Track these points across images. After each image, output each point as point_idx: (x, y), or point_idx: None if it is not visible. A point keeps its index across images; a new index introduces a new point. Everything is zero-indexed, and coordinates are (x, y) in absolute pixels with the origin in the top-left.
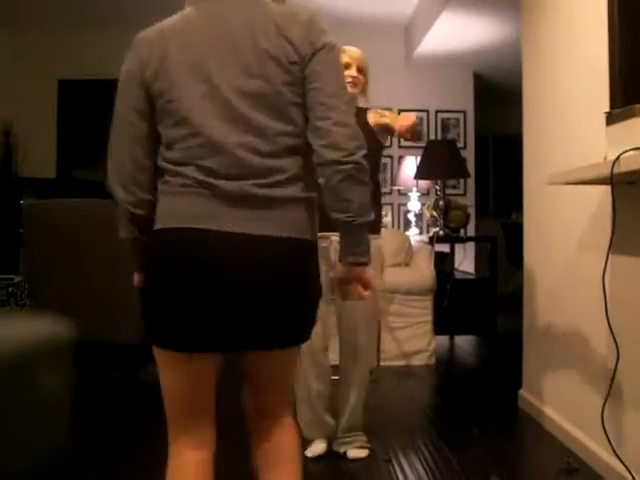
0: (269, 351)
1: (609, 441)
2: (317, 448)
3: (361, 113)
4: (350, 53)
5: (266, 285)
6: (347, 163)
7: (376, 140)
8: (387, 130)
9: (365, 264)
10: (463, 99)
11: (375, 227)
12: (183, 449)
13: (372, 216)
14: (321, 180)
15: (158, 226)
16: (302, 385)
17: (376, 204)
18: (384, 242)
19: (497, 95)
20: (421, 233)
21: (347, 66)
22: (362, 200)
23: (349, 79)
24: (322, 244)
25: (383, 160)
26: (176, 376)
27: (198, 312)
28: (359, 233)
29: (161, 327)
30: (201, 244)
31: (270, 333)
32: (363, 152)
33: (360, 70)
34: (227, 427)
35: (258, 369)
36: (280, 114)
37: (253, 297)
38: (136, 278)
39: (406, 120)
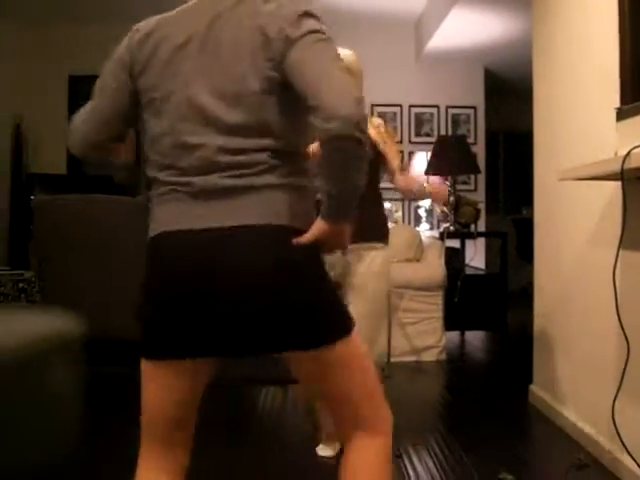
0: (287, 353)
1: (620, 437)
2: (326, 450)
3: None
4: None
5: (237, 280)
6: (346, 136)
7: (374, 148)
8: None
9: (347, 224)
10: (474, 95)
11: (384, 234)
12: (152, 472)
13: (363, 188)
14: (323, 154)
15: (150, 233)
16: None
17: (379, 214)
18: (393, 240)
19: (508, 91)
20: (432, 229)
21: None
22: (359, 171)
23: None
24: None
25: None
26: (158, 390)
27: (174, 315)
28: (350, 201)
29: (144, 332)
30: (171, 246)
31: (255, 335)
32: (362, 116)
33: (351, 73)
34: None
35: (302, 377)
36: (252, 114)
37: (227, 295)
38: None
39: (442, 194)
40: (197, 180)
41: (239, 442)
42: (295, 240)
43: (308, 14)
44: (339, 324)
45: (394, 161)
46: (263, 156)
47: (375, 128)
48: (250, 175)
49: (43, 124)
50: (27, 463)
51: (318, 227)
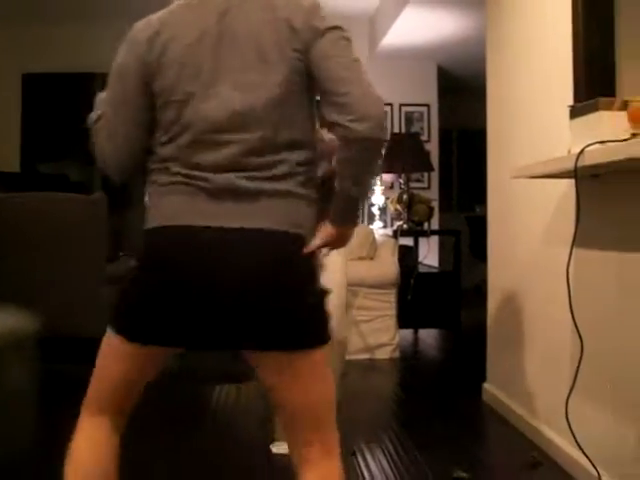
0: (263, 352)
1: (573, 435)
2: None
3: None
4: None
5: (244, 280)
6: (376, 139)
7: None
8: None
9: (355, 226)
10: (427, 92)
11: None
12: (94, 426)
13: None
14: (345, 154)
15: (147, 226)
16: None
17: None
18: None
19: (461, 88)
20: (385, 227)
21: None
22: (375, 174)
23: None
24: None
25: None
26: (120, 365)
27: (173, 306)
28: (362, 202)
29: (134, 318)
30: (182, 240)
31: (248, 331)
32: (385, 119)
33: None
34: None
35: (270, 382)
36: (279, 108)
37: (231, 293)
38: None
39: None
40: (215, 178)
41: (191, 437)
42: (305, 249)
43: (322, 6)
44: (322, 331)
45: None
46: (285, 158)
47: None
48: (271, 179)
49: None
50: None
51: (326, 232)
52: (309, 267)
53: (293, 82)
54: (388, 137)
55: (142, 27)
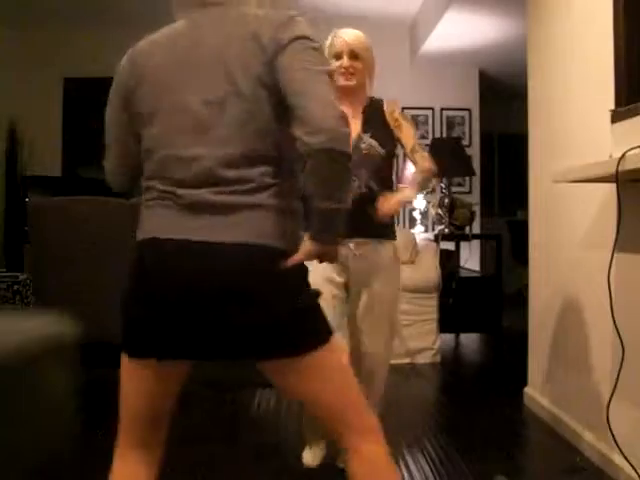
0: (263, 361)
1: (615, 440)
2: (310, 457)
3: (376, 106)
4: (340, 41)
5: (222, 293)
6: (332, 151)
7: (392, 138)
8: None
9: (336, 243)
10: (468, 97)
11: (392, 231)
12: (130, 458)
13: (349, 203)
14: (308, 168)
15: (136, 240)
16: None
17: (392, 222)
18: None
19: (503, 93)
20: (426, 231)
21: (338, 56)
22: (345, 186)
23: (341, 70)
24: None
25: None
26: (135, 390)
27: (156, 319)
28: (338, 218)
29: (126, 334)
30: (159, 253)
31: (232, 341)
32: (346, 131)
33: (355, 56)
34: None
35: (283, 388)
36: (247, 123)
37: (209, 305)
38: None
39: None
40: (188, 193)
41: (233, 443)
42: (284, 263)
43: (297, 18)
44: (317, 332)
45: (409, 142)
46: (256, 172)
47: (390, 114)
48: (241, 193)
49: (38, 126)
50: (22, 463)
51: (306, 249)
52: (284, 277)
53: (261, 97)
54: (349, 153)
55: (136, 47)
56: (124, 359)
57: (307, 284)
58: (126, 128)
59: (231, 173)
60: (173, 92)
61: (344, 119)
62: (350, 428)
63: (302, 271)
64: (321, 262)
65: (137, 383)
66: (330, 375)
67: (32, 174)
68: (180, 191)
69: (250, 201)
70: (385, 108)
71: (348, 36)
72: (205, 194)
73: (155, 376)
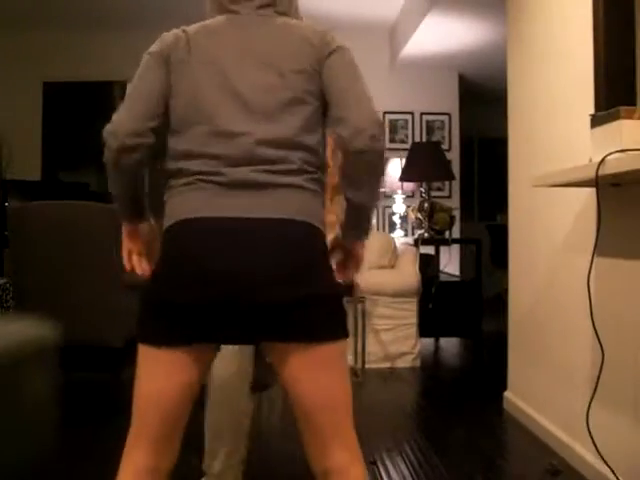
0: (283, 345)
1: (594, 443)
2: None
3: None
4: None
5: (266, 269)
6: (372, 151)
7: None
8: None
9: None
10: (448, 101)
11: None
12: (135, 466)
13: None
14: (346, 166)
15: (166, 224)
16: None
17: None
18: (368, 247)
19: (482, 97)
20: (406, 235)
21: None
22: (379, 186)
23: None
24: None
25: None
26: (165, 380)
27: (197, 300)
28: (369, 214)
29: (159, 320)
30: (199, 231)
31: (271, 320)
32: (383, 137)
33: None
34: None
35: (292, 376)
36: (295, 112)
37: (251, 282)
38: (124, 230)
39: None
40: (229, 171)
41: None
42: (325, 243)
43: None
44: (339, 325)
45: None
46: (297, 156)
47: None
48: (284, 173)
49: (17, 130)
50: (3, 466)
51: (342, 251)
52: (327, 260)
53: (309, 92)
54: (385, 148)
55: (173, 32)
56: (149, 352)
57: None
58: (160, 87)
59: (275, 153)
60: (222, 74)
61: (382, 125)
62: (342, 443)
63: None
64: (348, 275)
65: (165, 376)
66: (340, 373)
67: (11, 178)
68: (224, 169)
69: (293, 182)
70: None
71: None
72: (249, 173)
73: (185, 365)
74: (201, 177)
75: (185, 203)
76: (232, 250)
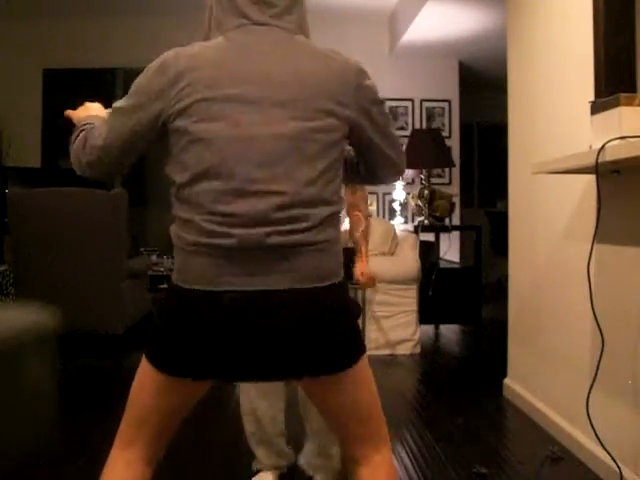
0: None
1: (594, 430)
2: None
3: None
4: None
5: (288, 336)
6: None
7: None
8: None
9: None
10: (448, 88)
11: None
12: (127, 461)
13: None
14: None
15: (173, 279)
16: (247, 408)
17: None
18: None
19: (482, 84)
20: (406, 222)
21: None
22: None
23: None
24: None
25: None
26: (164, 400)
27: (218, 345)
28: None
29: (167, 352)
30: (212, 306)
31: (289, 363)
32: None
33: None
34: None
35: (327, 404)
36: (320, 160)
37: (266, 356)
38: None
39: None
40: (244, 233)
41: (209, 444)
42: (345, 294)
43: (365, 69)
44: (362, 343)
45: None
46: (316, 210)
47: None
48: (293, 233)
49: (17, 118)
50: (2, 452)
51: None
52: (346, 306)
53: (333, 133)
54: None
55: (176, 60)
56: (152, 372)
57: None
58: (145, 132)
59: (289, 212)
60: (237, 120)
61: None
62: (372, 434)
63: (345, 295)
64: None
65: (165, 397)
66: (367, 382)
67: (12, 165)
68: (235, 231)
69: (304, 240)
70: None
71: None
72: (259, 233)
73: (186, 391)
74: (213, 236)
75: (196, 267)
76: (242, 326)
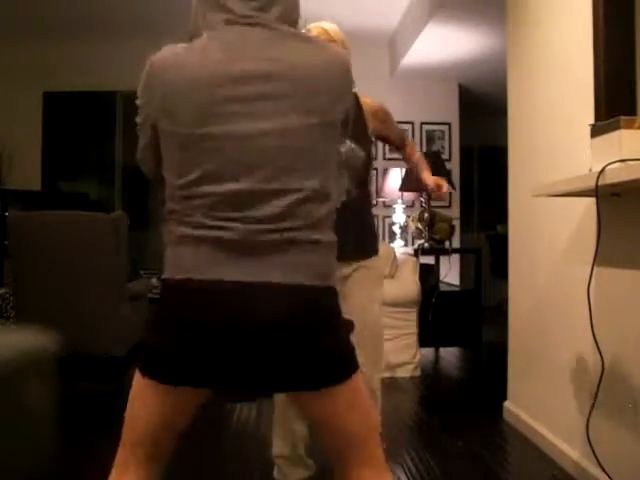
0: (297, 393)
1: (594, 453)
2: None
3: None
4: (318, 29)
5: (276, 334)
6: None
7: (369, 140)
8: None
9: None
10: (448, 111)
11: (375, 247)
12: (133, 474)
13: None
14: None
15: (165, 275)
16: (281, 431)
17: (371, 224)
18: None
19: (482, 107)
20: (406, 245)
21: None
22: None
23: None
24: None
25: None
26: (155, 408)
27: (205, 358)
28: None
29: (162, 360)
30: (208, 295)
31: (279, 375)
32: None
33: (332, 42)
34: None
35: (316, 418)
36: (314, 155)
37: (262, 344)
38: None
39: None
40: (241, 228)
41: (214, 458)
42: (335, 301)
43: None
44: (355, 359)
45: (397, 139)
46: (314, 206)
47: (374, 114)
48: (291, 230)
49: (17, 140)
50: (1, 476)
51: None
52: (336, 314)
53: (326, 133)
54: None
55: (165, 63)
56: (147, 382)
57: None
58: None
59: (286, 209)
60: (231, 121)
61: None
62: (369, 457)
63: (338, 303)
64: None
65: (157, 410)
66: (360, 403)
67: (11, 188)
68: (234, 224)
69: (302, 238)
70: (371, 106)
71: (325, 24)
72: (255, 229)
73: (179, 402)
74: (206, 228)
75: (188, 257)
76: (233, 317)
